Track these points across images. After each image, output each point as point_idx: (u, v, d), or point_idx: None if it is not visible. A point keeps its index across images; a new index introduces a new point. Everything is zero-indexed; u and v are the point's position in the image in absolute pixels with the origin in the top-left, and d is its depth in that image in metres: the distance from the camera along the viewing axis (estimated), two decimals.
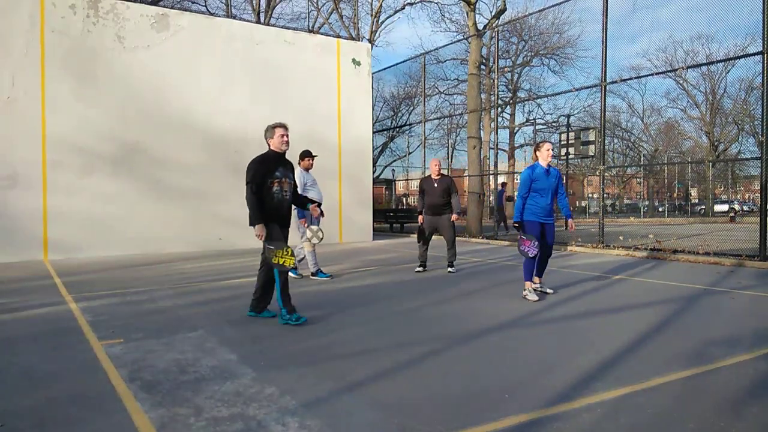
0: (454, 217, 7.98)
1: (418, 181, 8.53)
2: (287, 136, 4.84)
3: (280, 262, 4.58)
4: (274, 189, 4.68)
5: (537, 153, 6.09)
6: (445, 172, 8.26)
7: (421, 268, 8.14)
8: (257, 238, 4.64)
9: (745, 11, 10.10)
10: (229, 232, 11.97)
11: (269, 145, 4.84)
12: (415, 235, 8.42)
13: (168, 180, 11.30)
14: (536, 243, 5.73)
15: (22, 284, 7.10)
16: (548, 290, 6.18)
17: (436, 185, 7.98)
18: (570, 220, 6.29)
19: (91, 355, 3.79)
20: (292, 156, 5.40)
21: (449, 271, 8.07)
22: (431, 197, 8.00)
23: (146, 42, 11.19)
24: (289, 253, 4.59)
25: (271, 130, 4.83)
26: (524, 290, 5.91)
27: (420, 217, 8.17)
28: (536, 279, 6.12)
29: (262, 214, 4.60)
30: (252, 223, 4.64)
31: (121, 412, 2.76)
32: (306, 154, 7.41)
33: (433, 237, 8.63)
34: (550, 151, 6.01)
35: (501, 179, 18.81)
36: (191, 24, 11.78)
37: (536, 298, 5.78)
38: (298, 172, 7.08)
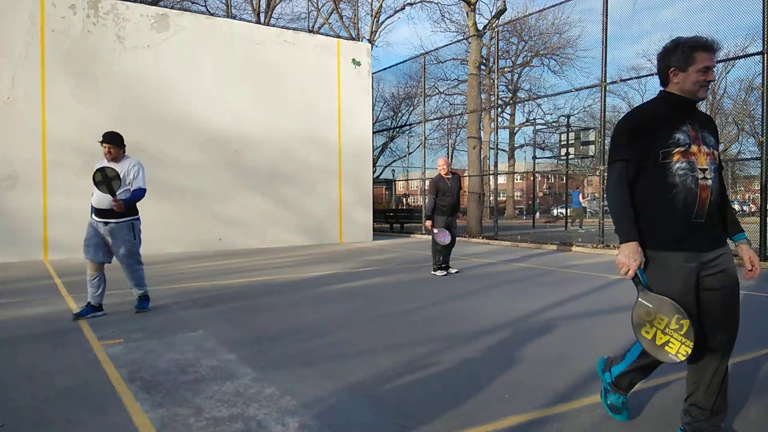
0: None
1: (429, 180, 8.12)
2: (712, 71, 2.24)
3: (657, 342, 2.29)
4: (675, 167, 2.24)
5: None
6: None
7: (441, 272, 7.76)
8: (622, 273, 2.33)
9: (745, 12, 10.09)
10: (229, 232, 11.98)
11: (667, 83, 2.35)
12: (432, 238, 7.81)
13: (168, 180, 11.29)
14: None
15: (22, 284, 7.10)
16: None
17: (450, 184, 7.66)
18: None
19: (91, 355, 3.79)
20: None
21: (457, 272, 7.91)
22: (451, 197, 7.64)
23: (146, 42, 11.19)
24: (684, 329, 2.18)
25: (686, 52, 2.24)
26: None
27: (428, 222, 7.67)
28: None
29: (630, 224, 2.30)
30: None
31: (121, 412, 2.76)
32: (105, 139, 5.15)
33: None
34: None
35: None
36: (191, 24, 11.78)
37: None
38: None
